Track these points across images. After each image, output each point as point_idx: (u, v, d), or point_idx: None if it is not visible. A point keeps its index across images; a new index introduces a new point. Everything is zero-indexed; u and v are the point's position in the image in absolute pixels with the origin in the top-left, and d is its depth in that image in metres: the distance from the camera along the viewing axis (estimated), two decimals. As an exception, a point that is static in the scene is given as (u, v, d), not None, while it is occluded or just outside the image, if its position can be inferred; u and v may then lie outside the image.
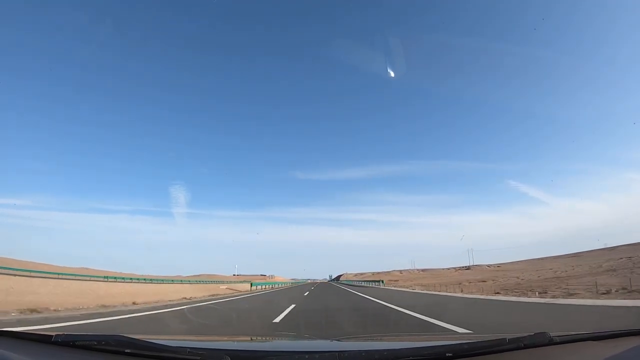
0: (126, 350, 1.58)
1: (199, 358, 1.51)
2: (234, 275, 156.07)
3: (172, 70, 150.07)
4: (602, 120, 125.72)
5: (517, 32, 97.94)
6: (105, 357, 1.60)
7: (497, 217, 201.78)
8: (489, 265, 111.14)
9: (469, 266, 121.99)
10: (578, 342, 1.78)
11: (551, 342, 1.67)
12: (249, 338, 3.48)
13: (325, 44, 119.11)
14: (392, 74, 35.69)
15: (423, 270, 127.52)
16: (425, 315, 6.44)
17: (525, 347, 1.62)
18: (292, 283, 52.56)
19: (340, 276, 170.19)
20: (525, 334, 1.67)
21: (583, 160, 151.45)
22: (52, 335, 1.72)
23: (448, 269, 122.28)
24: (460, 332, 5.37)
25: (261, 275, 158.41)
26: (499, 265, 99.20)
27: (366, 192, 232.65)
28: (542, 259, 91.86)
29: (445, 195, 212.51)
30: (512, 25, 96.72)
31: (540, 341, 1.67)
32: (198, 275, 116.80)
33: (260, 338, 3.57)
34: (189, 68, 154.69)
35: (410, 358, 1.52)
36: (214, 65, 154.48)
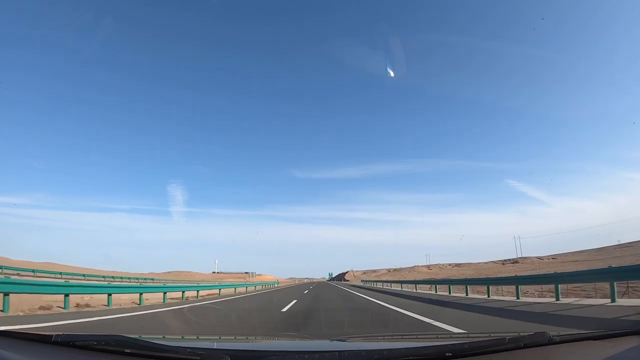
0: (126, 350, 1.65)
1: (199, 358, 1.55)
2: (213, 272, 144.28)
3: (170, 67, 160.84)
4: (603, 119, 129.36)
5: (516, 30, 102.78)
6: (105, 357, 1.68)
7: (497, 215, 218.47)
8: (540, 258, 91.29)
9: (516, 259, 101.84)
10: (577, 342, 1.84)
11: (551, 342, 1.73)
12: (249, 338, 3.58)
13: (323, 42, 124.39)
14: (391, 73, 39.15)
15: (457, 264, 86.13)
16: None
17: (525, 346, 1.68)
18: (264, 285, 47.70)
19: (344, 274, 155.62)
20: (525, 334, 1.74)
21: (583, 158, 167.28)
22: (52, 335, 1.80)
23: (486, 262, 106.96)
24: (455, 331, 5.36)
25: (245, 273, 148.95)
26: (554, 257, 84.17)
27: (366, 190, 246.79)
28: (584, 251, 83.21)
29: (448, 194, 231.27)
30: (511, 24, 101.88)
31: (540, 341, 1.73)
32: (168, 273, 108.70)
33: (260, 338, 3.62)
34: (187, 65, 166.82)
35: (410, 358, 1.55)
36: (213, 62, 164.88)
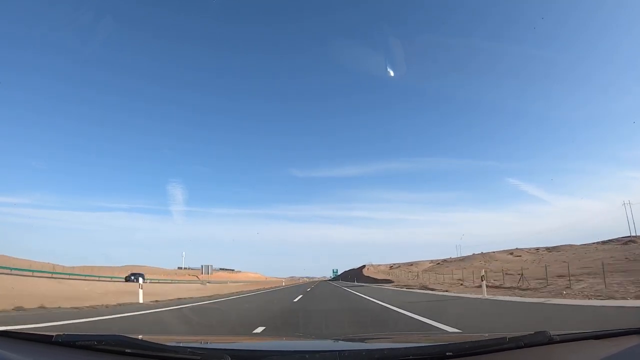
0: (127, 350, 1.76)
1: (199, 358, 1.65)
2: (179, 268, 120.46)
3: (170, 67, 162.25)
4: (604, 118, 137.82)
5: (516, 30, 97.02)
6: (105, 357, 1.79)
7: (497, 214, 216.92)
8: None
9: (633, 237, 71.97)
10: (578, 341, 1.98)
11: (551, 341, 1.83)
12: (250, 338, 3.72)
13: (323, 42, 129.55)
14: (391, 73, 39.80)
15: (549, 248, 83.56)
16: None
17: (526, 346, 1.77)
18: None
19: (360, 269, 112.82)
20: (526, 333, 1.85)
21: (584, 158, 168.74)
22: (53, 336, 1.94)
23: (586, 245, 75.93)
24: (450, 331, 5.20)
25: (227, 269, 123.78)
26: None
27: (366, 189, 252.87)
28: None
29: (449, 192, 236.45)
30: (511, 24, 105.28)
31: (540, 340, 1.81)
32: (122, 268, 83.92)
33: (260, 338, 3.76)
34: (187, 65, 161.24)
35: (411, 357, 1.63)
36: (213, 62, 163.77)
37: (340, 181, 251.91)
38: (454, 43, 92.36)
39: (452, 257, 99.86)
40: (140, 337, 1.96)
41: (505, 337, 1.69)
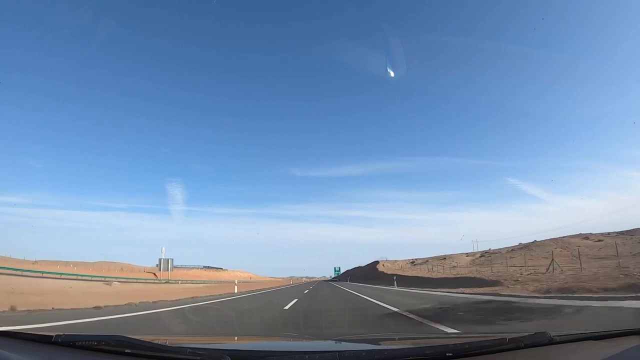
0: (126, 351, 1.87)
1: (199, 358, 1.77)
2: (157, 265, 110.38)
3: (170, 67, 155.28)
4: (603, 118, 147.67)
5: (516, 30, 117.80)
6: (105, 358, 1.91)
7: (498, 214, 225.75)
8: None
9: None
10: (578, 342, 2.09)
11: (551, 342, 1.93)
12: (250, 338, 3.69)
13: (323, 41, 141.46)
14: (392, 73, 41.08)
15: (624, 232, 63.35)
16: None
17: (526, 346, 1.86)
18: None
19: (374, 266, 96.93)
20: (525, 334, 1.96)
21: (584, 157, 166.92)
22: (52, 336, 2.08)
23: None
24: (449, 332, 5.31)
25: (212, 267, 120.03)
26: None
27: (366, 189, 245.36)
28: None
29: (448, 192, 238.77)
30: (511, 24, 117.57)
31: (540, 341, 1.91)
32: (94, 264, 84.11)
33: (260, 338, 3.81)
34: (186, 63, 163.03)
35: (411, 358, 1.75)
36: (213, 62, 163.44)
37: (340, 180, 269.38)
38: (455, 42, 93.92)
39: (513, 245, 76.16)
40: (140, 337, 1.96)
41: (505, 338, 1.72)
